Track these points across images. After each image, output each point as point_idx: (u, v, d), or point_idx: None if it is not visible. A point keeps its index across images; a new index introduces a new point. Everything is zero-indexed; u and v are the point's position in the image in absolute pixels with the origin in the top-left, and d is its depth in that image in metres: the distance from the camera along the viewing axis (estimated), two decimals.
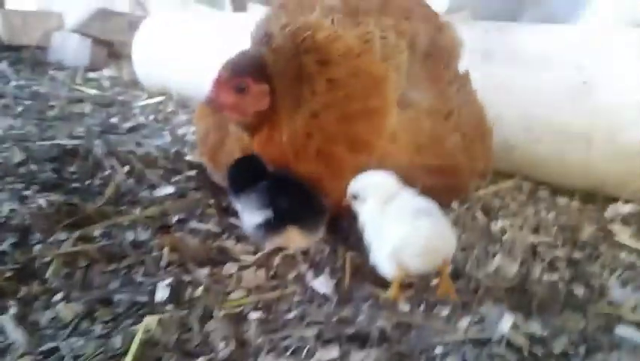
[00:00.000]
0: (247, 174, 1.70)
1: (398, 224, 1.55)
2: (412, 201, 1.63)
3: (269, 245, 1.65)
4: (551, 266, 1.83)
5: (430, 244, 1.52)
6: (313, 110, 1.70)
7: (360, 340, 1.34)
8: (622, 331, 1.43)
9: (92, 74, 4.93)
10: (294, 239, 1.61)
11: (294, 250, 1.68)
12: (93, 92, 4.22)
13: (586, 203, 2.45)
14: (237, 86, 1.72)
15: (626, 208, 2.33)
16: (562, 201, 2.47)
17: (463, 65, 2.23)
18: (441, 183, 1.91)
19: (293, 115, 1.72)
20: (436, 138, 1.89)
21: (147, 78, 4.31)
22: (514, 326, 1.39)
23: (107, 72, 5.06)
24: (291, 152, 1.74)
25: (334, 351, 1.27)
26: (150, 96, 4.09)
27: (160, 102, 3.91)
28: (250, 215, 1.61)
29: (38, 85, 4.26)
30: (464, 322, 1.44)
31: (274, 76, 1.74)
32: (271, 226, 1.58)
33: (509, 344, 1.34)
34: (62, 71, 4.98)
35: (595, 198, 2.47)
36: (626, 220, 2.25)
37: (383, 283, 1.59)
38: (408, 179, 1.75)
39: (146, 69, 4.26)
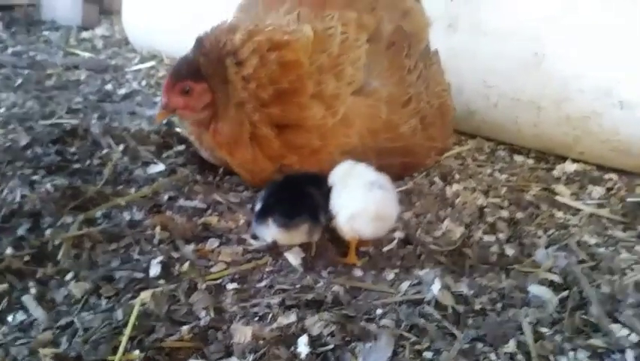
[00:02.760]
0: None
1: (354, 195, 1.81)
2: (365, 175, 1.89)
3: (261, 237, 1.83)
4: (492, 228, 2.08)
5: (379, 213, 1.80)
6: (238, 102, 1.98)
7: (317, 304, 1.60)
8: (534, 289, 1.69)
9: (85, 34, 5.06)
10: (274, 233, 1.77)
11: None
12: (87, 55, 4.39)
13: (539, 161, 2.69)
14: (182, 89, 2.02)
15: (572, 167, 2.57)
16: (518, 159, 2.72)
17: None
18: (397, 162, 2.16)
19: (226, 108, 2.01)
20: (392, 124, 2.11)
21: (137, 40, 4.45)
22: (445, 287, 1.66)
23: (99, 31, 5.18)
24: (229, 139, 2.03)
25: (293, 316, 1.54)
26: (142, 60, 4.26)
27: (151, 67, 4.08)
28: (255, 205, 1.87)
29: (34, 50, 4.42)
30: (405, 285, 1.72)
31: (207, 77, 2.01)
32: (258, 218, 1.80)
33: (437, 303, 1.62)
34: (56, 31, 5.11)
35: (547, 156, 2.72)
36: (570, 179, 2.50)
37: (343, 252, 1.87)
38: (363, 159, 1.99)
39: (136, 31, 4.39)
